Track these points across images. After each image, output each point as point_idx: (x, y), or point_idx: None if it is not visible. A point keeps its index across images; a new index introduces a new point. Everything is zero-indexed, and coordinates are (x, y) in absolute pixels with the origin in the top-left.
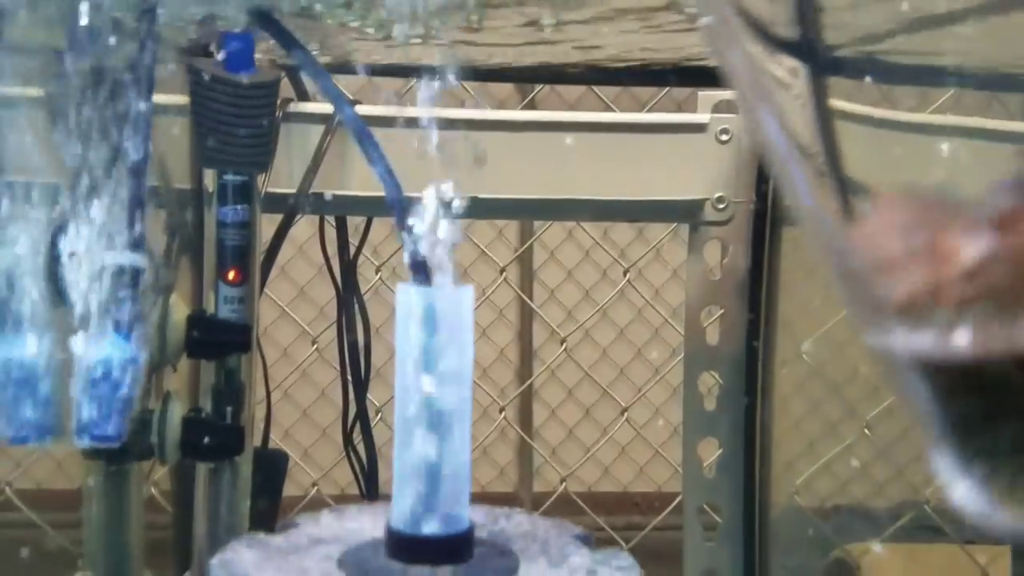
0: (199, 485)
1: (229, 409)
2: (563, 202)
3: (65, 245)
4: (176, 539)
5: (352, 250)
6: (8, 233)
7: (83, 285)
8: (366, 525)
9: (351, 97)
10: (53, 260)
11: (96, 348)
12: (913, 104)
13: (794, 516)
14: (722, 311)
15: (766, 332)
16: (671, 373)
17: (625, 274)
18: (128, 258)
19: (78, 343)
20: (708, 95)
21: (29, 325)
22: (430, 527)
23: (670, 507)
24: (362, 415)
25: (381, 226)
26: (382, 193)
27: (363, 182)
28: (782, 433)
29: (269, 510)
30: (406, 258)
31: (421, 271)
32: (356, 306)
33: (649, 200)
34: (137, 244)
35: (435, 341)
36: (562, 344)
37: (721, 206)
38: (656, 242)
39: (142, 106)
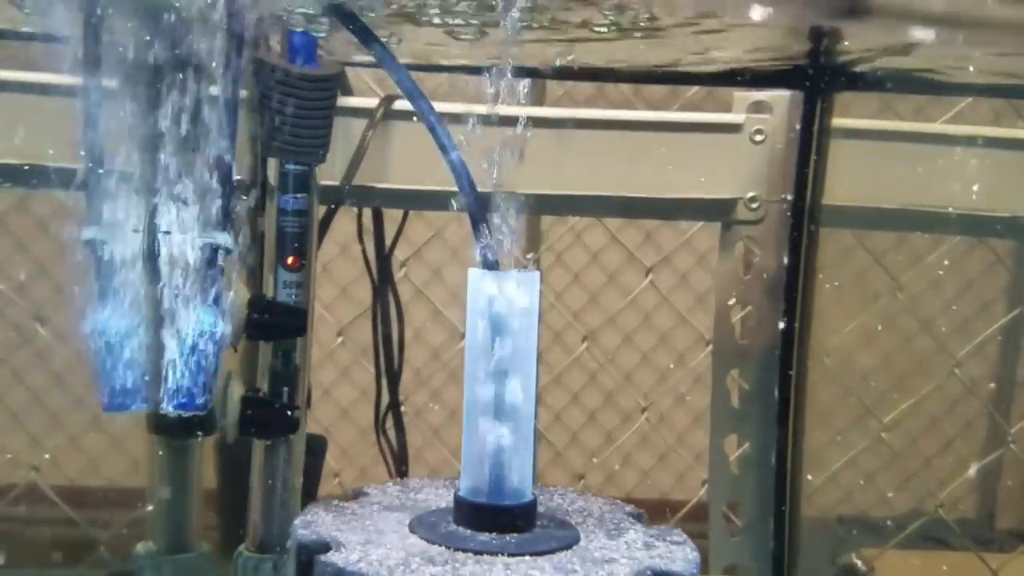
0: (255, 461)
1: (285, 389)
2: (597, 199)
3: (161, 225)
4: (223, 513)
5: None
6: (111, 215)
7: (177, 263)
8: (430, 496)
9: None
10: (151, 240)
11: (187, 323)
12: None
13: (806, 522)
14: (751, 309)
15: (800, 331)
16: (678, 379)
17: (647, 274)
18: (219, 238)
19: (170, 318)
20: (743, 96)
21: (127, 301)
22: (496, 497)
23: (679, 515)
24: (394, 405)
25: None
26: (421, 187)
27: (403, 176)
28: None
29: (309, 491)
30: (476, 246)
31: (491, 257)
32: (392, 298)
33: (683, 198)
34: (226, 226)
35: (504, 325)
36: (583, 341)
37: (754, 206)
38: (669, 250)
39: (230, 102)
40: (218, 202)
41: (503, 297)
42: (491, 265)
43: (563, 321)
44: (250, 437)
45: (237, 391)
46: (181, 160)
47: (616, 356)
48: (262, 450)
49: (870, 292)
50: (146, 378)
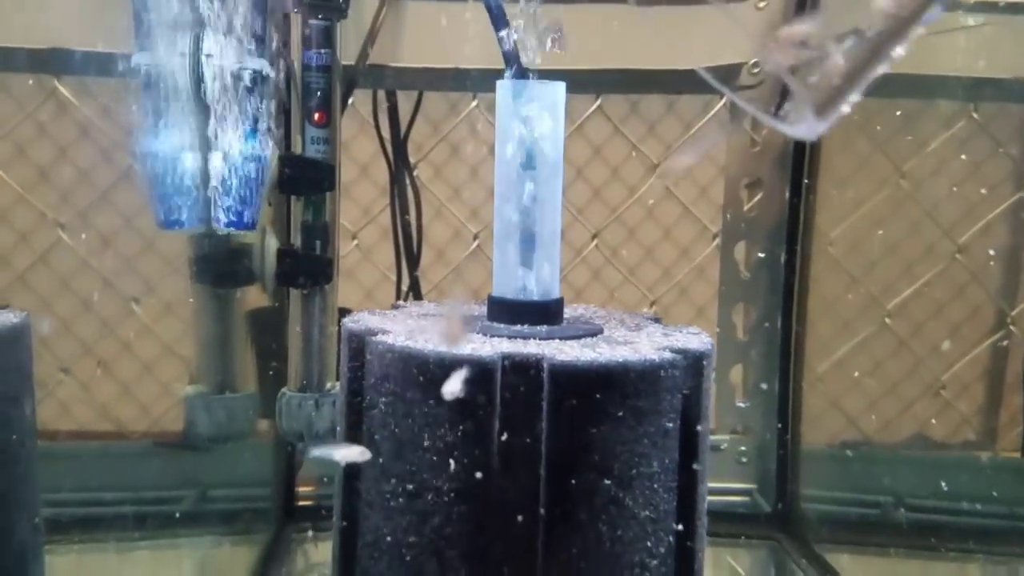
0: (292, 311)
1: (318, 242)
2: (607, 72)
3: (204, 48)
4: (264, 363)
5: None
6: (160, 39)
7: (220, 86)
8: (463, 309)
9: None
10: (195, 62)
11: (231, 145)
12: None
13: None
14: (759, 181)
15: (806, 204)
16: (699, 254)
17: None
18: (258, 63)
19: (217, 140)
20: None
21: (178, 123)
22: (527, 293)
23: None
24: (413, 282)
25: None
26: (433, 65)
27: (416, 55)
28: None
29: None
30: (503, 55)
31: (516, 66)
32: (408, 183)
33: (688, 68)
34: (264, 52)
35: (530, 129)
36: (593, 239)
37: (755, 71)
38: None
39: None
40: (256, 30)
41: (529, 104)
42: (518, 74)
43: (584, 200)
44: (286, 287)
45: (273, 244)
46: None
47: (637, 232)
48: (299, 299)
49: (874, 178)
50: (198, 199)
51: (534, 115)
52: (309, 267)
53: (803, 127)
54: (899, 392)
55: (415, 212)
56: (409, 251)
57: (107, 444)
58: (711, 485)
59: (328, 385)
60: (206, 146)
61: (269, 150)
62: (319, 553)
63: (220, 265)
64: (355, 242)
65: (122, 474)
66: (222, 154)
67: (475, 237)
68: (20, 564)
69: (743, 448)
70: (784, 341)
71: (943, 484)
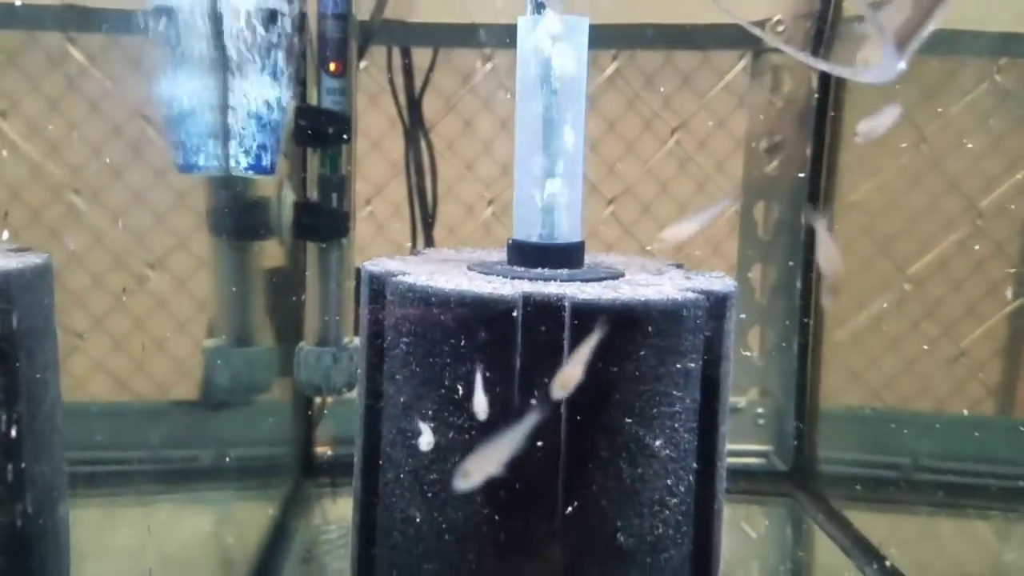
0: (310, 264)
1: (334, 195)
2: (629, 28)
3: None
4: (284, 313)
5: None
6: None
7: (238, 27)
8: (483, 256)
9: None
10: (214, 1)
11: (250, 87)
12: None
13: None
14: (782, 142)
15: (828, 165)
16: (714, 231)
17: (673, 133)
18: (276, 3)
19: (235, 82)
20: None
21: (195, 65)
22: (548, 237)
23: None
24: (428, 240)
25: None
26: (449, 21)
27: (431, 10)
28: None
29: None
30: None
31: (538, 2)
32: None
33: (712, 24)
34: None
35: (553, 62)
36: (609, 204)
37: (780, 29)
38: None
39: None
40: None
41: (552, 41)
42: (540, 8)
43: (599, 174)
44: (303, 240)
45: (289, 197)
46: None
47: (653, 208)
48: (316, 253)
49: (896, 142)
50: (215, 142)
51: (555, 50)
52: (326, 220)
53: (877, 70)
54: (919, 359)
55: (430, 173)
56: (424, 211)
57: (128, 402)
58: (727, 447)
59: (346, 339)
60: (224, 87)
61: (288, 93)
62: (337, 507)
63: (237, 216)
64: (369, 208)
65: (141, 431)
66: (240, 96)
67: (489, 203)
68: (46, 503)
69: (760, 410)
70: (804, 303)
71: (963, 444)
